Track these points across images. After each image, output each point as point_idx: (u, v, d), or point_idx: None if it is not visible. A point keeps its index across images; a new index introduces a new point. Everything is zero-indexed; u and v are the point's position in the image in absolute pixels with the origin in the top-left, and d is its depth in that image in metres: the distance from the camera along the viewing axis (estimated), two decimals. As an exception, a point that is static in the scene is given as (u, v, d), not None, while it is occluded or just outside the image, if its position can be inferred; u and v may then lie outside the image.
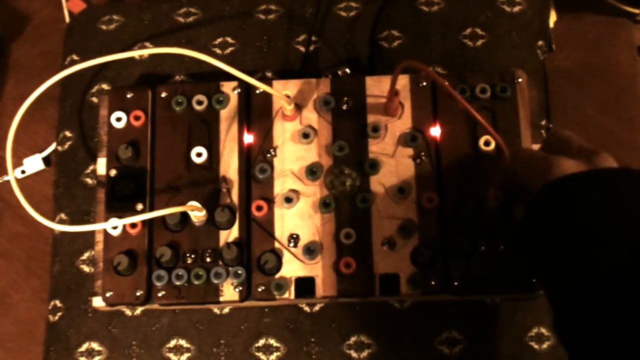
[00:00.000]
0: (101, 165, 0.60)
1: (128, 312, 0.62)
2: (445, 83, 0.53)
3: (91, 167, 0.65)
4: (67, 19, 0.72)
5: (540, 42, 0.66)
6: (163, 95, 0.61)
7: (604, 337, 0.43)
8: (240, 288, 0.56)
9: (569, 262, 0.45)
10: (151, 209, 0.58)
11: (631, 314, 0.41)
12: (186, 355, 0.61)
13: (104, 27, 0.69)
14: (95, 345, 0.61)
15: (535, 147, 0.58)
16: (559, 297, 0.46)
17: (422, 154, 0.58)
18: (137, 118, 0.60)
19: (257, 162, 0.59)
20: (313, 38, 0.67)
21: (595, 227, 0.44)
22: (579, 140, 0.50)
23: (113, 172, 0.59)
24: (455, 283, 0.56)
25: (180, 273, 0.56)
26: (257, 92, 0.60)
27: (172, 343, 0.61)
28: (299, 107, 0.60)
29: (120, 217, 0.57)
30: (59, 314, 0.62)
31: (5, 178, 0.68)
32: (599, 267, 0.43)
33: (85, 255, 0.63)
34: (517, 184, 0.52)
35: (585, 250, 0.44)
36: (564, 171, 0.47)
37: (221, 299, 0.56)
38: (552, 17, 0.68)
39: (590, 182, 0.46)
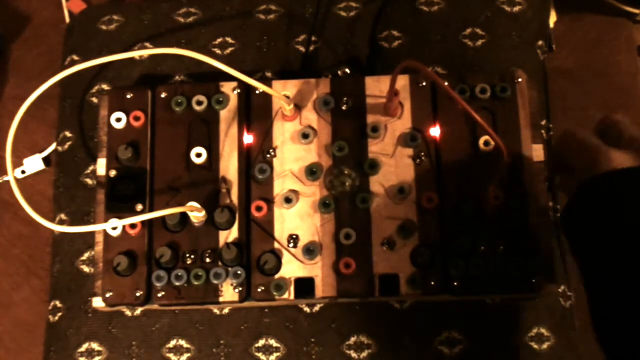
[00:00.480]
0: (101, 166, 0.60)
1: (128, 312, 0.62)
2: (445, 83, 0.53)
3: (91, 168, 0.65)
4: (67, 19, 0.72)
5: (540, 42, 0.66)
6: (163, 95, 0.61)
7: None
8: (240, 288, 0.56)
9: (610, 256, 0.45)
10: (151, 210, 0.58)
11: None
12: (186, 355, 0.61)
13: (104, 27, 0.69)
14: (95, 345, 0.61)
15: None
16: (600, 288, 0.46)
17: (422, 154, 0.58)
18: (136, 118, 0.60)
19: (256, 163, 0.59)
20: (313, 38, 0.67)
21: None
22: (631, 129, 0.50)
23: (113, 173, 0.59)
24: (455, 283, 0.56)
25: (179, 273, 0.56)
26: (257, 92, 0.60)
27: (172, 343, 0.61)
28: (298, 108, 0.60)
29: (120, 217, 0.57)
30: (59, 314, 0.62)
31: (5, 178, 0.68)
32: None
33: (85, 256, 0.63)
34: (564, 165, 0.52)
35: (628, 246, 0.44)
36: (613, 165, 0.47)
37: (221, 299, 0.56)
38: (552, 17, 0.68)
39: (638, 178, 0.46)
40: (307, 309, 0.61)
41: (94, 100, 0.67)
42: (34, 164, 0.68)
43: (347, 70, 0.65)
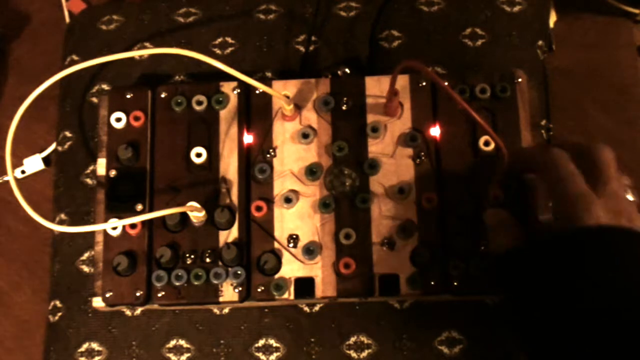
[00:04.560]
0: (101, 166, 0.60)
1: (128, 312, 0.62)
2: (445, 84, 0.53)
3: (91, 167, 0.65)
4: (67, 19, 0.72)
5: (540, 42, 0.66)
6: (163, 95, 0.61)
7: None
8: (240, 288, 0.56)
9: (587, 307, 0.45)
10: (151, 210, 0.58)
11: None
12: (186, 355, 0.61)
13: (104, 27, 0.69)
14: (95, 346, 0.61)
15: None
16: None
17: (422, 154, 0.58)
18: (136, 118, 0.60)
19: (256, 163, 0.59)
20: (313, 38, 0.67)
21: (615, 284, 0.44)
22: (614, 177, 0.49)
23: (113, 173, 0.59)
24: (455, 283, 0.56)
25: (180, 273, 0.56)
26: (257, 92, 0.60)
27: (172, 343, 0.61)
28: (298, 107, 0.60)
29: (120, 217, 0.57)
30: (59, 314, 0.62)
31: (5, 178, 0.68)
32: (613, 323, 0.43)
33: (85, 256, 0.63)
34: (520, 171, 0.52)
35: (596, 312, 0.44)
36: (597, 220, 0.46)
37: (221, 299, 0.56)
38: (552, 17, 0.68)
39: (623, 239, 0.46)
40: (307, 309, 0.61)
41: (94, 100, 0.67)
42: (34, 164, 0.68)
43: (347, 70, 0.65)
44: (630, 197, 0.49)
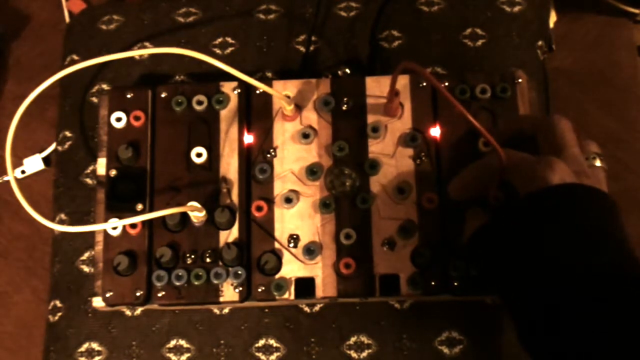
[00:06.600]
0: (101, 166, 0.60)
1: (128, 312, 0.62)
2: (443, 84, 0.53)
3: (91, 167, 0.65)
4: (67, 19, 0.72)
5: (540, 42, 0.66)
6: (163, 95, 0.61)
7: (571, 347, 0.44)
8: (240, 288, 0.56)
9: (556, 270, 0.46)
10: (151, 210, 0.58)
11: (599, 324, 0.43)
12: (186, 355, 0.61)
13: (104, 27, 0.69)
14: (95, 345, 0.61)
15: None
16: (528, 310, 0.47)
17: (422, 154, 0.58)
18: (137, 118, 0.60)
19: (257, 163, 0.59)
20: (313, 38, 0.67)
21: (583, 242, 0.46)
22: (573, 144, 0.51)
23: (113, 172, 0.59)
24: (455, 283, 0.56)
25: (180, 273, 0.56)
26: (257, 92, 0.60)
27: (172, 343, 0.61)
28: (299, 108, 0.60)
29: (120, 217, 0.57)
30: (59, 314, 0.62)
31: (5, 178, 0.68)
32: (580, 276, 0.45)
33: (85, 256, 0.63)
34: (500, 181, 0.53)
35: (581, 260, 0.45)
36: (561, 179, 0.48)
37: (221, 299, 0.56)
38: (552, 17, 0.68)
39: (585, 195, 0.48)
40: (307, 309, 0.61)
41: (94, 100, 0.67)
42: (34, 164, 0.68)
43: (347, 71, 0.65)
44: (597, 163, 0.52)
